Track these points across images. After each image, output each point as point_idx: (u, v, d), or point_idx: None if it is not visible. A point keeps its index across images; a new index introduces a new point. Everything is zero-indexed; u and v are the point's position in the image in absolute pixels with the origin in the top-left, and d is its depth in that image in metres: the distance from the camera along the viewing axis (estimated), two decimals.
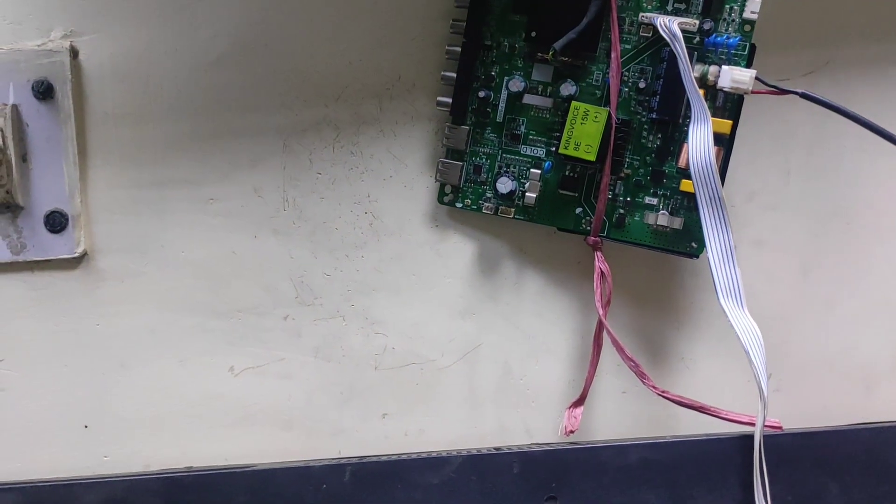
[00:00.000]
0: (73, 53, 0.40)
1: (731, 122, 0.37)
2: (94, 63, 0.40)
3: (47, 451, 0.41)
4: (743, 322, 0.34)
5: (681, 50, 0.35)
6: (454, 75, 0.39)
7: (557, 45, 0.37)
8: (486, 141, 0.39)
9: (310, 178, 0.41)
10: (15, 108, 0.40)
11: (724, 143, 0.37)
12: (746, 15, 0.37)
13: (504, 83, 0.39)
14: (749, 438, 0.34)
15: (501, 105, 0.39)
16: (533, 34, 0.38)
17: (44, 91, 0.40)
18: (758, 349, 0.33)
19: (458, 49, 0.39)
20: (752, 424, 0.35)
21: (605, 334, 0.38)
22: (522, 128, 0.39)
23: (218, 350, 0.41)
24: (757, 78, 0.36)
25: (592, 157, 0.37)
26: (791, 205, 0.41)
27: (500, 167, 0.39)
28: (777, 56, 0.40)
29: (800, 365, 0.41)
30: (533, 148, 0.39)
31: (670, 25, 0.36)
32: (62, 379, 0.41)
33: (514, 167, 0.39)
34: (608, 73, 0.38)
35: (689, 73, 0.35)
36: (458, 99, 0.39)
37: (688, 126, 0.37)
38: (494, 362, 0.41)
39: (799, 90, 0.36)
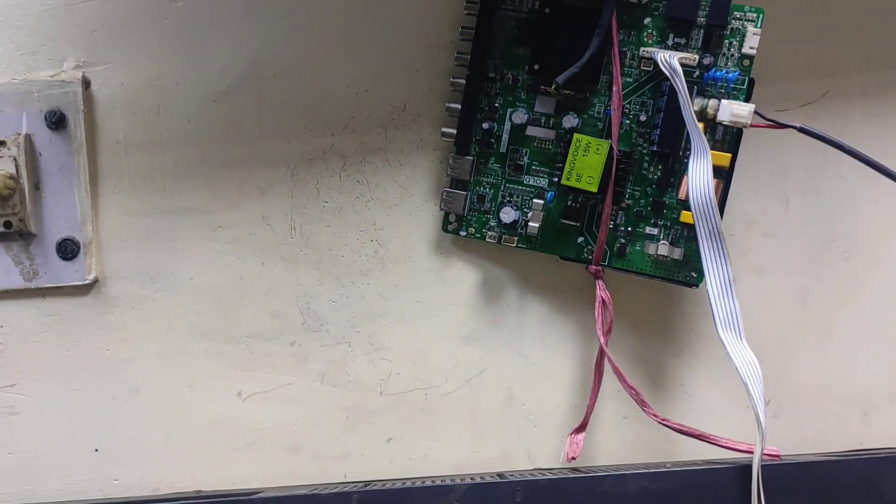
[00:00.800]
0: (86, 84, 0.41)
1: (730, 154, 0.37)
2: (106, 93, 0.41)
3: (58, 474, 0.42)
4: (741, 354, 0.34)
5: (681, 85, 0.36)
6: (458, 107, 0.40)
7: (560, 78, 0.37)
8: (489, 171, 0.40)
9: (317, 206, 0.42)
10: (28, 137, 0.41)
11: (724, 175, 0.38)
12: (745, 50, 0.37)
13: (507, 115, 0.40)
14: (748, 468, 0.34)
15: (505, 136, 0.40)
16: (536, 67, 0.39)
17: (56, 121, 0.41)
18: (756, 381, 0.34)
19: (463, 81, 0.39)
20: (751, 452, 0.35)
21: (606, 361, 0.38)
22: (525, 158, 0.40)
23: (226, 375, 0.42)
24: (756, 112, 0.36)
25: (594, 189, 0.38)
26: (790, 233, 0.41)
27: (503, 197, 0.40)
28: (775, 87, 0.41)
29: (798, 391, 0.42)
30: (536, 178, 0.40)
31: (670, 61, 0.36)
32: (73, 403, 0.42)
33: (518, 197, 0.40)
34: (610, 106, 0.38)
35: (689, 107, 0.36)
36: (462, 130, 0.40)
37: (688, 158, 0.37)
38: (497, 388, 0.42)
39: (797, 124, 0.36)
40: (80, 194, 0.41)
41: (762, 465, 0.34)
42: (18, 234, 0.41)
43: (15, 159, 0.40)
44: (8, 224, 0.40)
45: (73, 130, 0.41)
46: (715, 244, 0.35)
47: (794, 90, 0.41)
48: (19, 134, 0.41)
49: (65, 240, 0.41)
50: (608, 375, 0.39)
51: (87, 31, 0.41)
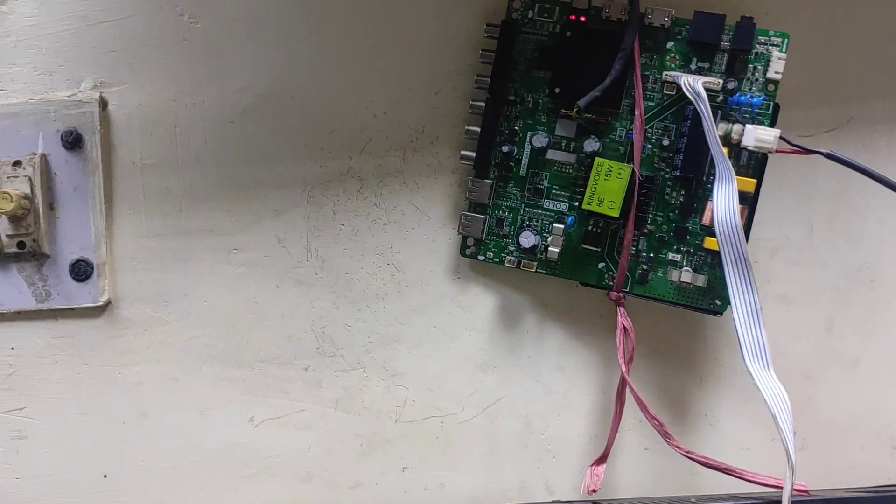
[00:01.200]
0: (103, 104, 0.41)
1: (755, 180, 0.37)
2: (123, 113, 0.41)
3: (66, 499, 0.41)
4: (770, 385, 0.33)
5: (705, 109, 0.35)
6: (478, 130, 0.39)
7: (581, 102, 0.37)
8: (509, 195, 0.39)
9: (333, 229, 0.41)
10: (44, 157, 0.40)
11: (749, 201, 0.37)
12: (770, 75, 0.37)
13: (527, 138, 0.39)
14: (775, 502, 0.33)
15: (525, 160, 0.39)
16: (557, 90, 0.38)
17: (73, 141, 0.40)
18: (785, 414, 0.33)
19: (482, 104, 0.39)
20: (779, 487, 0.34)
21: (627, 390, 0.37)
22: (545, 182, 0.39)
23: (238, 400, 0.41)
24: (781, 137, 0.36)
25: (616, 214, 0.37)
26: (815, 260, 0.41)
27: (522, 221, 0.39)
28: (799, 111, 0.40)
29: (824, 423, 0.40)
30: (556, 202, 0.39)
31: (694, 85, 0.36)
32: (82, 427, 0.41)
33: (537, 221, 0.39)
34: (632, 130, 0.38)
35: (714, 132, 0.35)
36: (481, 153, 0.39)
37: (711, 184, 0.37)
38: (515, 416, 0.41)
39: (824, 150, 0.36)
40: (95, 215, 0.41)
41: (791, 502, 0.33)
42: (31, 255, 0.40)
43: (30, 179, 0.40)
44: (21, 244, 0.40)
45: (89, 151, 0.41)
46: (741, 272, 0.34)
47: (818, 115, 0.40)
48: (35, 154, 0.40)
49: (78, 261, 0.40)
50: (630, 405, 0.38)
51: (106, 51, 0.41)
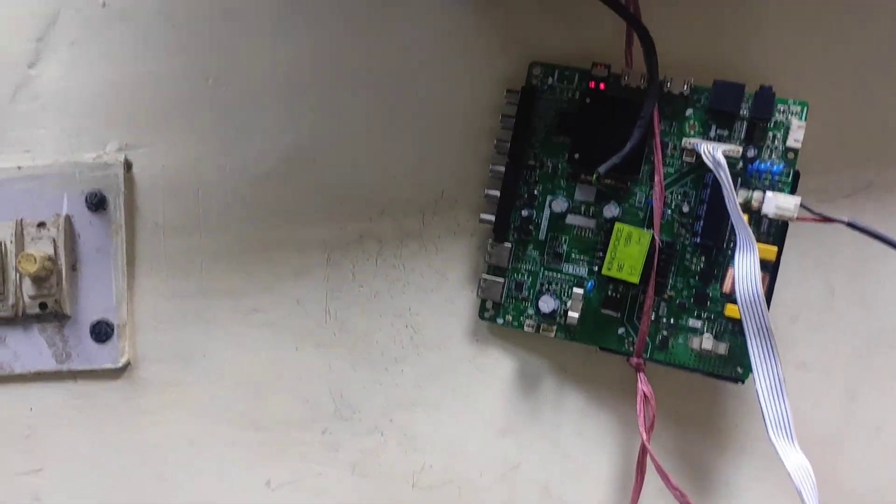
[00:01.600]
0: (127, 166, 0.41)
1: (776, 248, 0.37)
2: (147, 175, 0.42)
3: None
4: (794, 459, 0.33)
5: (725, 178, 0.35)
6: (497, 194, 0.39)
7: (601, 169, 0.37)
8: (528, 258, 0.40)
9: (352, 290, 0.41)
10: (68, 218, 0.41)
11: (770, 268, 0.37)
12: (790, 144, 0.37)
13: (547, 202, 0.39)
14: None
15: (544, 224, 0.39)
16: (576, 156, 0.39)
17: (97, 203, 0.41)
18: (811, 488, 0.32)
19: (502, 169, 0.39)
20: None
21: (648, 459, 0.37)
22: (565, 246, 0.39)
23: (256, 463, 0.41)
24: (802, 205, 0.36)
25: (636, 280, 0.37)
26: (836, 327, 0.40)
27: (542, 285, 0.39)
28: (817, 176, 0.40)
29: (849, 492, 0.40)
30: (575, 266, 0.39)
31: (714, 153, 0.36)
32: (99, 490, 0.41)
33: (557, 285, 0.39)
34: (651, 195, 0.38)
35: (735, 201, 0.35)
36: (500, 217, 0.39)
37: (732, 250, 0.37)
38: (534, 483, 0.40)
39: (845, 219, 0.36)
40: (117, 276, 0.41)
41: None
42: (53, 316, 0.41)
43: (54, 240, 0.40)
44: (43, 305, 0.40)
45: (112, 212, 0.41)
46: (764, 343, 0.34)
47: (837, 180, 0.40)
48: (59, 215, 0.41)
49: (99, 322, 0.41)
50: (650, 473, 0.37)
51: (132, 113, 0.42)
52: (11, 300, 0.40)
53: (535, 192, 0.39)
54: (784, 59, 0.39)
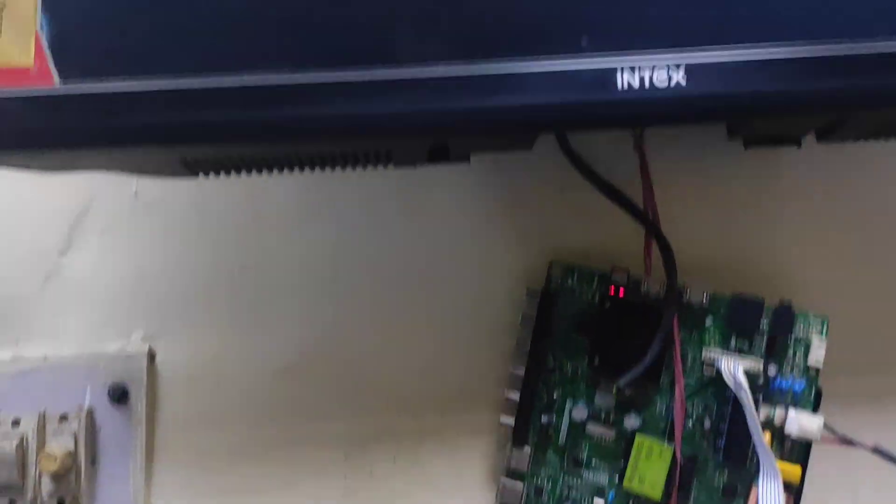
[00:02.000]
0: (151, 357, 0.42)
1: (800, 468, 0.36)
2: (170, 366, 0.42)
3: None
4: None
5: (747, 400, 0.35)
6: (517, 397, 0.39)
7: (621, 383, 0.37)
8: (548, 462, 0.39)
9: (370, 489, 0.41)
10: (90, 412, 0.41)
11: (794, 490, 0.36)
12: (811, 363, 0.37)
13: (566, 408, 0.39)
14: None
15: (563, 430, 0.39)
16: (596, 361, 0.39)
17: (119, 396, 0.41)
18: None
19: (521, 371, 0.39)
20: None
21: None
22: (585, 453, 0.39)
23: None
24: (826, 426, 0.35)
25: (657, 496, 0.37)
26: None
27: (562, 491, 0.39)
28: (838, 388, 0.39)
29: None
30: (595, 473, 0.39)
31: (735, 373, 0.36)
32: None
33: (577, 491, 0.39)
34: (672, 404, 0.38)
35: (757, 425, 0.35)
36: (520, 423, 0.39)
37: (756, 466, 0.36)
38: None
39: (870, 445, 0.35)
40: (136, 471, 0.41)
41: None
42: None
43: (75, 435, 0.41)
44: (61, 502, 0.40)
45: (134, 405, 0.41)
46: None
47: (860, 395, 0.40)
48: (82, 408, 0.41)
49: None
50: None
51: (158, 303, 0.42)
52: (30, 495, 0.40)
53: (555, 395, 0.39)
54: (803, 268, 0.40)
